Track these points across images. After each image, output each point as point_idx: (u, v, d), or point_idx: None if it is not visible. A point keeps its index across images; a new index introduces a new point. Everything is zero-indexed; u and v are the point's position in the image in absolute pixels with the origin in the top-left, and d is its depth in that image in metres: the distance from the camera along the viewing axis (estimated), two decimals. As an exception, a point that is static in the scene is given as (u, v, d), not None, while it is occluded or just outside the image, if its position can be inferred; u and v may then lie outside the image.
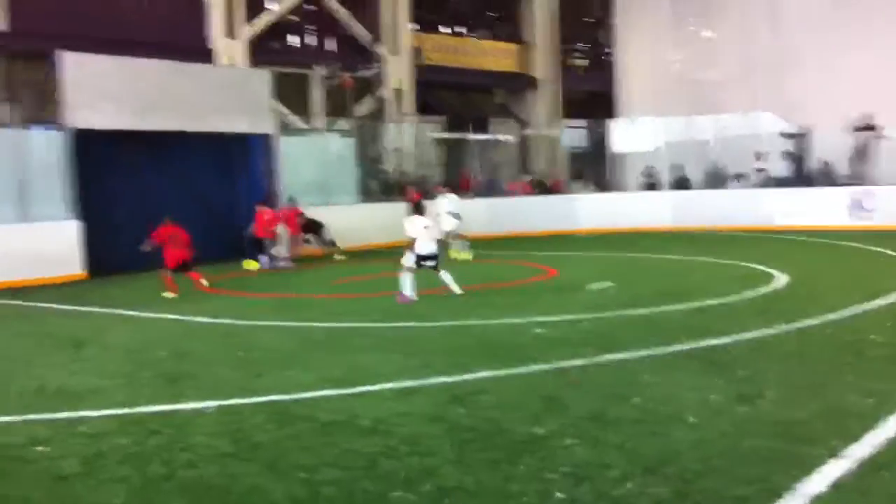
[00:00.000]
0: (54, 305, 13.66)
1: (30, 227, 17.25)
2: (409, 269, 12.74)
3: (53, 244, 17.30)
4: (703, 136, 28.34)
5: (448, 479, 5.39)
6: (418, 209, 14.17)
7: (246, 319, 11.98)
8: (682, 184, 28.28)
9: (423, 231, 13.07)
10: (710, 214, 25.79)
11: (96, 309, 13.47)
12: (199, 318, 12.22)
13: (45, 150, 18.06)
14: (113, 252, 17.51)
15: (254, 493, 5.27)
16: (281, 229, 19.75)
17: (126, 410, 7.20)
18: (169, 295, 14.25)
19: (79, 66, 18.32)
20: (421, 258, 12.87)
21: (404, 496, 5.12)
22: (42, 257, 16.86)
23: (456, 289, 12.99)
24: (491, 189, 29.36)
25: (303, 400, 6.99)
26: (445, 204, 19.87)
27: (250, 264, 19.25)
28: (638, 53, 33.66)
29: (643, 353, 8.75)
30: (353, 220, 22.71)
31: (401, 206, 25.00)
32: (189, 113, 19.94)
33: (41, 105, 21.62)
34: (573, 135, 35.33)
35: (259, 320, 11.91)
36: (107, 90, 18.57)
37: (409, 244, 13.09)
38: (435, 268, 13.04)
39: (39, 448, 6.22)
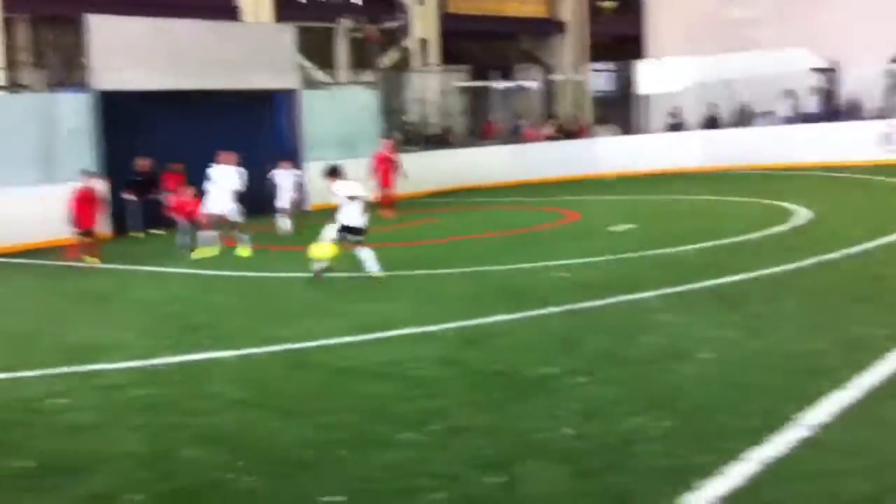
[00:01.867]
0: (80, 265, 13.84)
1: (57, 188, 17.43)
2: (333, 242, 10.72)
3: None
4: (732, 74, 27.84)
5: (458, 418, 5.46)
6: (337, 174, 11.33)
7: (266, 271, 12.07)
8: (711, 123, 27.92)
9: (354, 199, 10.88)
10: (737, 153, 25.45)
11: (120, 266, 13.64)
12: (221, 272, 12.33)
13: (73, 112, 18.18)
14: (139, 211, 17.80)
15: (267, 438, 5.37)
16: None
17: (145, 362, 7.32)
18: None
19: (105, 28, 18.33)
20: (347, 230, 10.72)
21: (413, 437, 5.19)
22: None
23: (377, 270, 10.65)
24: (514, 136, 29.15)
25: (319, 347, 7.08)
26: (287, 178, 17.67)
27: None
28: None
29: (661, 292, 8.74)
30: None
31: (425, 156, 25.09)
32: (215, 71, 19.91)
33: (68, 69, 21.74)
34: (599, 79, 34.89)
35: (279, 272, 11.98)
36: (133, 51, 18.59)
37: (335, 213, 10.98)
38: (360, 242, 10.80)
39: (57, 400, 6.35)
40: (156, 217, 17.44)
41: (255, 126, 21.67)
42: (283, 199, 17.28)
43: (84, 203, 14.44)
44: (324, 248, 10.63)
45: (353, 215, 10.72)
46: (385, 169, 19.16)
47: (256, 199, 20.07)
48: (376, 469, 4.76)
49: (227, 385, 6.54)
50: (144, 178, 18.11)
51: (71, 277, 12.99)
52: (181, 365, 7.27)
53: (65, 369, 7.21)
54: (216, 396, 6.29)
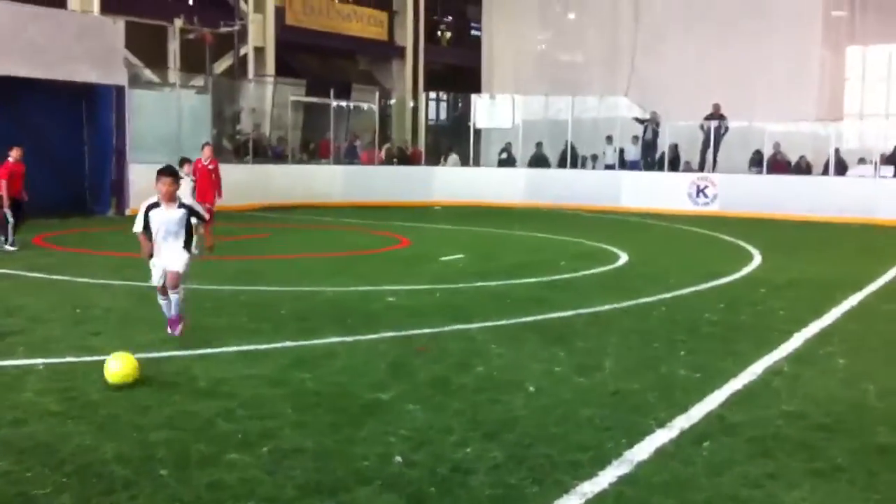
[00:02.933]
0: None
1: None
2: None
3: None
4: (560, 116, 28.98)
5: (288, 441, 5.34)
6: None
7: (84, 277, 11.48)
8: (539, 161, 28.88)
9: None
10: (563, 193, 26.48)
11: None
12: (33, 274, 11.63)
13: None
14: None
15: (84, 451, 5.06)
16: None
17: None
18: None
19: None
20: None
21: (240, 458, 5.03)
22: None
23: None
24: (349, 156, 29.14)
25: (140, 360, 6.73)
26: None
27: None
28: (503, 30, 34.10)
29: (490, 323, 8.91)
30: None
31: (256, 169, 24.58)
32: (37, 59, 18.91)
33: None
34: (434, 107, 35.46)
35: (98, 278, 11.43)
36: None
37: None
38: None
39: None
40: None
41: (79, 121, 20.71)
42: None
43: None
44: None
45: None
46: (203, 181, 15.94)
47: (74, 198, 19.22)
48: (201, 490, 4.58)
49: (39, 395, 6.14)
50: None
51: None
52: (-13, 370, 6.77)
53: None
54: (28, 405, 5.89)
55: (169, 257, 7.80)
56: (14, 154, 14.42)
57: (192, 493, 4.53)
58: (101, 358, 6.70)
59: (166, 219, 7.73)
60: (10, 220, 14.03)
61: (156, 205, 7.71)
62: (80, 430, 5.45)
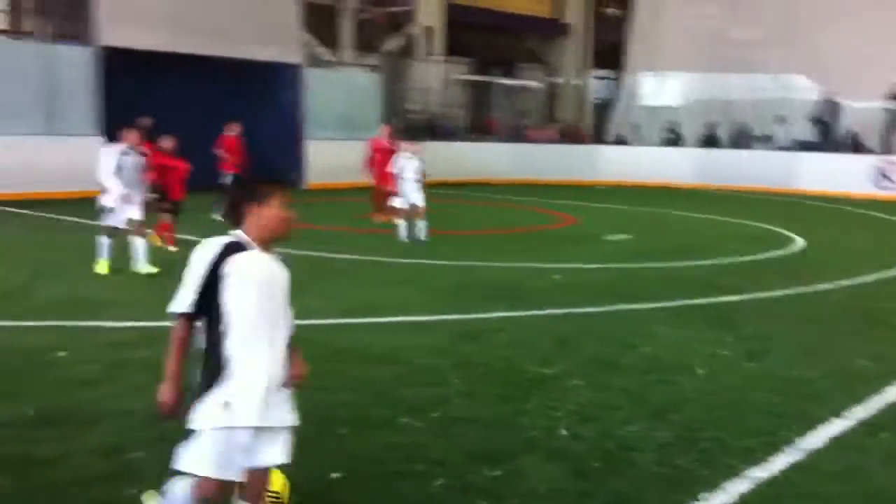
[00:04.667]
0: (80, 220, 13.78)
1: (56, 140, 17.33)
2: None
3: (80, 159, 17.37)
4: (731, 94, 28.04)
5: (456, 409, 5.52)
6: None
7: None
8: (708, 141, 28.10)
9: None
10: (732, 173, 25.66)
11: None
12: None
13: (73, 66, 18.10)
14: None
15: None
16: None
17: (149, 323, 7.33)
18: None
19: (112, -17, 18.34)
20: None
21: (412, 422, 5.25)
22: (69, 171, 16.94)
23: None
24: (515, 134, 29.24)
25: (317, 326, 7.10)
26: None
27: None
28: (670, 5, 33.15)
29: (656, 304, 8.83)
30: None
31: (425, 146, 25.00)
32: (218, 38, 19.89)
33: (72, 21, 21.57)
34: (601, 85, 35.01)
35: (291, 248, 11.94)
36: (138, 9, 18.54)
37: None
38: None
39: (58, 353, 6.37)
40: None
41: (259, 99, 21.62)
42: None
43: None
44: None
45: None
46: (382, 161, 15.07)
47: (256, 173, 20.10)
48: (377, 449, 4.82)
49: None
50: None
51: (80, 233, 12.94)
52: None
53: (71, 323, 7.21)
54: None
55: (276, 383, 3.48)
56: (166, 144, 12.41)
57: (368, 452, 4.78)
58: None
59: (269, 279, 3.51)
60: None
61: (234, 248, 3.44)
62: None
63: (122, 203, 9.64)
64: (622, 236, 14.21)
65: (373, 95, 24.72)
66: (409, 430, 5.15)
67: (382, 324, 7.77)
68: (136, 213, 9.73)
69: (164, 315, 7.31)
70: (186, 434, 3.33)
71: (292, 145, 22.08)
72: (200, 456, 3.31)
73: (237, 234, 3.48)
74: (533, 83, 31.11)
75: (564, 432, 5.16)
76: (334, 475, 4.48)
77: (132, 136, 9.92)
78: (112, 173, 9.60)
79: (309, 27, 24.70)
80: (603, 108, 33.64)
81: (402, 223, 13.07)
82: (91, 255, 10.10)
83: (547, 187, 24.27)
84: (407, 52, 30.35)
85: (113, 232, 9.75)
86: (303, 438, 4.91)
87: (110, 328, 7.21)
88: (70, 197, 16.17)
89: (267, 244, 3.52)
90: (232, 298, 3.35)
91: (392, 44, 30.36)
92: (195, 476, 3.35)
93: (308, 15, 23.57)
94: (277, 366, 3.44)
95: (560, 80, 34.80)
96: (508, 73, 33.04)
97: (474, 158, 25.89)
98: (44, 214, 14.53)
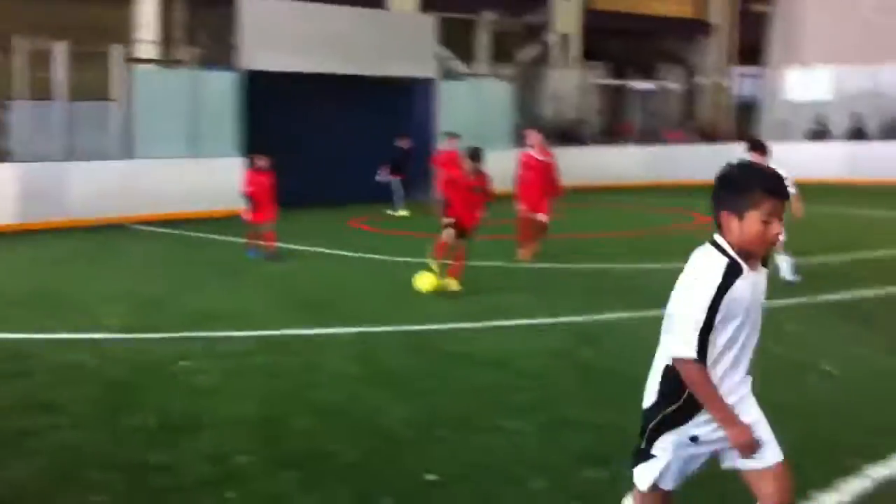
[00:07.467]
0: (219, 237, 14.36)
1: (201, 161, 18.13)
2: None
3: (222, 179, 18.10)
4: (881, 86, 26.61)
5: (564, 411, 5.43)
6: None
7: (400, 256, 12.24)
8: (857, 134, 26.72)
9: None
10: (885, 167, 24.29)
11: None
12: (355, 254, 12.58)
13: (219, 90, 18.91)
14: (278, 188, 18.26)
15: (374, 414, 5.47)
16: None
17: (268, 332, 7.57)
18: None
19: (255, 10, 19.10)
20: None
21: (517, 424, 5.20)
22: (211, 191, 17.68)
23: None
24: (650, 137, 28.62)
25: (435, 331, 7.16)
26: None
27: None
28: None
29: (791, 301, 8.46)
30: (505, 166, 22.65)
31: (559, 152, 24.83)
32: (357, 57, 20.38)
33: (219, 48, 22.60)
34: (744, 83, 33.85)
35: (409, 257, 12.12)
36: (281, 34, 19.26)
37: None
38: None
39: (183, 363, 6.64)
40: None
41: (395, 114, 22.00)
42: None
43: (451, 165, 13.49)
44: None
45: None
46: (536, 180, 11.82)
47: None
48: (477, 453, 4.79)
49: (342, 360, 6.71)
50: (404, 156, 19.15)
51: (213, 249, 13.52)
52: (302, 338, 7.49)
53: (195, 334, 7.52)
54: (331, 370, 6.47)
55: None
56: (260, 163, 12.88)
57: (470, 455, 4.76)
58: (397, 329, 7.16)
59: (752, 296, 3.12)
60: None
61: (734, 269, 3.02)
62: (374, 393, 5.89)
63: None
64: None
65: (505, 105, 24.71)
66: (512, 432, 5.09)
67: (498, 327, 7.74)
68: None
69: (282, 324, 7.64)
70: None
71: (426, 158, 22.35)
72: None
73: (723, 259, 3.00)
74: (671, 84, 30.34)
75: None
76: (435, 478, 4.47)
77: None
78: None
79: (445, 41, 24.97)
80: (745, 108, 32.51)
81: None
82: (227, 270, 10.52)
83: (683, 189, 23.60)
84: (542, 60, 30.24)
85: None
86: (404, 441, 4.99)
87: (230, 338, 7.45)
88: (213, 216, 16.93)
89: (759, 256, 3.05)
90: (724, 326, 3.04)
91: (528, 53, 30.33)
92: None
93: (445, 29, 23.83)
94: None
95: (702, 81, 33.87)
96: (646, 76, 32.41)
97: (607, 162, 25.52)
98: (187, 233, 15.19)
